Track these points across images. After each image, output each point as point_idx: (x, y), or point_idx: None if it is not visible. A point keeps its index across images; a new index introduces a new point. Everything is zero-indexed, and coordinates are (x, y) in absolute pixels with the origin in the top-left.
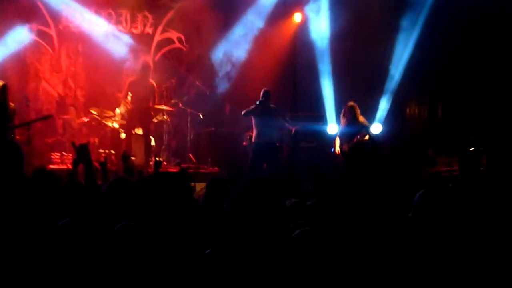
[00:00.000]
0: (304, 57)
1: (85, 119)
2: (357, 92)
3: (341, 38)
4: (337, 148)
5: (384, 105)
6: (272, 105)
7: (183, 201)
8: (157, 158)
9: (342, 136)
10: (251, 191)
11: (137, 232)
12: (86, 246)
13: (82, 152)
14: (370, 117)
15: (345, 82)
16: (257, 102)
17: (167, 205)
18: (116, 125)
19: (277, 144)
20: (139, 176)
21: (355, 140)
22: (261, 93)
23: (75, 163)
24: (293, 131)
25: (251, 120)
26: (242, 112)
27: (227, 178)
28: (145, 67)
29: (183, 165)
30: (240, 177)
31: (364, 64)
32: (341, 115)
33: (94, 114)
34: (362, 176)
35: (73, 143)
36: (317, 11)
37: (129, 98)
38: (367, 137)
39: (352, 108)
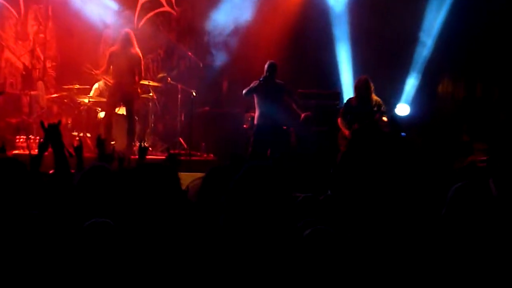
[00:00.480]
0: (317, 23)
1: (56, 96)
2: (380, 66)
3: (362, 1)
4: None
5: (411, 82)
6: (278, 81)
7: (170, 196)
8: (142, 144)
9: (352, 117)
10: (252, 183)
11: (110, 231)
12: (48, 245)
13: (51, 134)
14: (395, 96)
15: (366, 54)
16: (261, 79)
17: (151, 200)
18: (92, 103)
19: (284, 127)
20: (120, 165)
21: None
22: (266, 66)
23: (41, 146)
24: (302, 117)
25: (253, 99)
26: (243, 91)
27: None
28: (128, 34)
29: (171, 151)
30: (240, 166)
31: (389, 33)
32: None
33: (67, 89)
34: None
35: (42, 123)
36: None
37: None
38: (385, 118)
39: (367, 83)
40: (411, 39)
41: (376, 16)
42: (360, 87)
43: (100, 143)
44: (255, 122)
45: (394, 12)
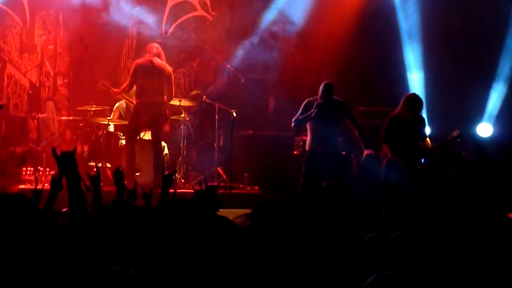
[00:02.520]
0: (381, 27)
1: (69, 119)
2: (458, 78)
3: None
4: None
5: (495, 97)
6: (337, 99)
7: (206, 240)
8: (173, 174)
9: (398, 136)
10: (305, 221)
11: (129, 282)
12: None
13: (66, 164)
14: (476, 114)
15: (440, 63)
16: (315, 104)
17: (183, 246)
18: (112, 128)
19: (343, 153)
20: (146, 202)
21: (426, 144)
22: (321, 88)
23: (55, 183)
24: (364, 156)
25: None
26: (293, 120)
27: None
28: (155, 48)
29: (210, 184)
30: (290, 201)
31: (468, 36)
32: (402, 106)
33: (81, 111)
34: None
35: (54, 150)
36: None
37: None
38: (456, 133)
39: (420, 102)
40: (497, 44)
41: (454, 17)
42: (410, 105)
43: (119, 176)
44: (307, 148)
45: (475, 11)
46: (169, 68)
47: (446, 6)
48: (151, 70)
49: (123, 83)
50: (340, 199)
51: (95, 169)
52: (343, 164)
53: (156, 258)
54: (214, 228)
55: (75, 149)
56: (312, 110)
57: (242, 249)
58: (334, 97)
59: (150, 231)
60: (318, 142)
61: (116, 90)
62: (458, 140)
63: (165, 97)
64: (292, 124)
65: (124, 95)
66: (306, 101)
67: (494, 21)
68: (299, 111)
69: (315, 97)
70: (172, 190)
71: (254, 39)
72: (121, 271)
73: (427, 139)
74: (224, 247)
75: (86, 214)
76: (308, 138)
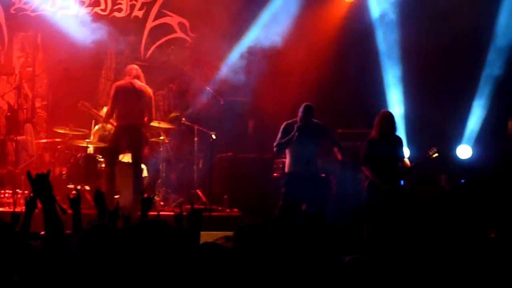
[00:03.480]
0: (362, 50)
1: (47, 141)
2: (437, 98)
3: (413, 17)
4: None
5: (475, 119)
6: (316, 121)
7: (185, 263)
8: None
9: (377, 157)
10: (282, 246)
11: None
12: None
13: (40, 187)
14: (456, 135)
15: (420, 85)
16: (296, 127)
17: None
18: (92, 150)
19: (323, 175)
20: (126, 224)
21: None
22: (301, 110)
23: (29, 204)
24: (339, 159)
25: None
26: (275, 145)
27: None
28: (135, 70)
29: (195, 206)
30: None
31: (448, 55)
32: (377, 125)
33: (60, 134)
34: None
35: (28, 173)
36: None
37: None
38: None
39: (393, 118)
40: (477, 64)
41: (434, 35)
42: (385, 121)
43: (99, 197)
44: (286, 170)
45: (456, 32)
46: (149, 90)
47: (426, 25)
48: (132, 92)
49: (102, 106)
50: (319, 222)
51: (74, 191)
52: (322, 186)
53: (137, 282)
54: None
55: (49, 171)
56: (293, 133)
57: (224, 271)
58: (314, 120)
59: (130, 253)
60: (297, 164)
61: (99, 114)
62: (435, 157)
63: (145, 119)
64: (274, 149)
65: (109, 120)
66: (284, 124)
67: (474, 41)
68: (279, 135)
69: (294, 119)
70: (155, 213)
71: (233, 61)
72: None
73: (406, 159)
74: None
75: (63, 237)
76: (287, 160)
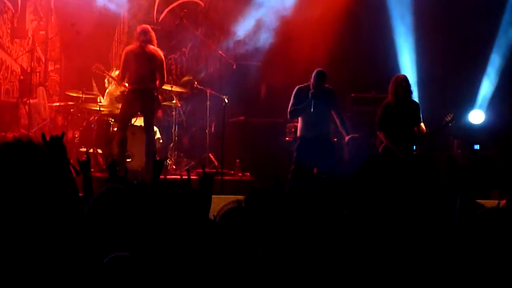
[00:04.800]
0: (373, 12)
1: (60, 104)
2: (450, 64)
3: None
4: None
5: (487, 84)
6: (327, 87)
7: (198, 225)
8: (164, 160)
9: (393, 122)
10: (297, 207)
11: (133, 266)
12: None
13: (54, 148)
14: (468, 101)
15: (433, 49)
16: (311, 94)
17: (175, 229)
18: (104, 114)
19: (334, 139)
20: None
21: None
22: (313, 75)
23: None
24: (347, 140)
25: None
26: (289, 112)
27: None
28: (145, 31)
29: (206, 170)
30: (282, 188)
31: (461, 22)
32: (392, 90)
33: (73, 97)
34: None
35: (43, 135)
36: None
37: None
38: (450, 117)
39: (408, 81)
40: (490, 30)
41: (445, 8)
42: (401, 84)
43: (113, 165)
44: (299, 134)
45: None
46: (161, 53)
47: None
48: (142, 56)
49: (114, 69)
50: (331, 186)
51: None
52: (334, 150)
53: (152, 242)
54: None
55: (63, 134)
56: (309, 101)
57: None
58: (325, 85)
59: (143, 216)
60: (309, 128)
61: (113, 76)
62: (451, 124)
63: (157, 82)
64: (288, 115)
65: (121, 82)
66: (297, 88)
67: (488, 8)
68: (292, 100)
69: (306, 84)
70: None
71: (246, 25)
72: (129, 257)
73: (422, 124)
74: (218, 233)
75: (77, 199)
76: (300, 125)
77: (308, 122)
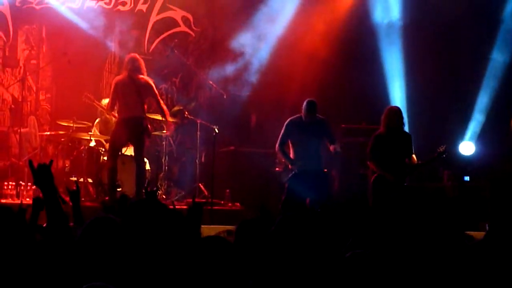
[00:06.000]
0: (364, 45)
1: (50, 133)
2: (440, 95)
3: (419, 21)
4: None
5: (478, 114)
6: (319, 117)
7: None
8: (151, 188)
9: (384, 153)
10: (289, 237)
11: None
12: None
13: (42, 177)
14: (459, 132)
15: (423, 79)
16: (298, 119)
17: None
18: (94, 143)
19: (325, 170)
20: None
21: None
22: (304, 106)
23: (36, 201)
24: (332, 151)
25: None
26: (277, 145)
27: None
28: (134, 60)
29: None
30: (269, 216)
31: (451, 55)
32: (385, 120)
33: (63, 126)
34: None
35: (30, 162)
36: None
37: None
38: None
39: (401, 113)
40: (480, 60)
41: (436, 36)
42: (394, 115)
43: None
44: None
45: (458, 32)
46: (150, 81)
47: (429, 20)
48: (131, 86)
49: (104, 99)
50: (324, 217)
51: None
52: (327, 182)
53: (140, 273)
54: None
55: (51, 162)
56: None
57: (227, 265)
58: (318, 115)
59: (132, 246)
60: (301, 158)
61: (102, 105)
62: (444, 156)
63: (143, 111)
64: (276, 148)
65: (110, 112)
66: (288, 120)
67: (478, 39)
68: (282, 131)
69: (298, 115)
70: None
71: (236, 55)
72: (104, 287)
73: (413, 155)
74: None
75: (66, 228)
76: (292, 156)
77: (300, 154)
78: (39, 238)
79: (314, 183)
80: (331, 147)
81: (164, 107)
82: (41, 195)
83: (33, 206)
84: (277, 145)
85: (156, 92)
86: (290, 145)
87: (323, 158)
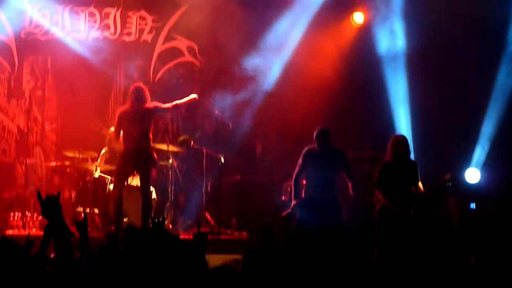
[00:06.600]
0: (369, 73)
1: (56, 164)
2: (444, 122)
3: (423, 49)
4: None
5: (484, 141)
6: (337, 148)
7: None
8: (159, 219)
9: (391, 181)
10: (295, 266)
11: None
12: None
13: (50, 208)
14: (464, 159)
15: (427, 108)
16: (315, 148)
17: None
18: (100, 173)
19: (339, 200)
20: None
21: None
22: (315, 134)
23: (47, 229)
24: (352, 197)
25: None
26: (294, 175)
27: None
28: (139, 89)
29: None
30: (273, 243)
31: (455, 81)
32: (391, 149)
33: (69, 157)
34: None
35: (38, 193)
36: (387, 8)
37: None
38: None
39: (407, 142)
40: (485, 88)
41: (441, 64)
42: (399, 144)
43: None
44: (304, 195)
45: (462, 59)
46: (150, 105)
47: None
48: (135, 116)
49: (112, 126)
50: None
51: (82, 215)
52: (340, 212)
53: None
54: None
55: (59, 193)
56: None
57: None
58: (335, 146)
59: (138, 277)
60: (314, 190)
61: (109, 132)
62: (450, 184)
63: (149, 141)
64: (293, 179)
65: (116, 139)
66: (305, 149)
67: (482, 63)
68: (299, 160)
69: (314, 145)
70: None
71: (242, 84)
72: None
73: (420, 183)
74: None
75: (73, 259)
76: (305, 185)
77: (312, 184)
78: (49, 270)
79: (327, 213)
80: (352, 194)
81: (168, 105)
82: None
83: (44, 234)
84: (294, 174)
85: (157, 105)
86: (305, 174)
87: (337, 188)
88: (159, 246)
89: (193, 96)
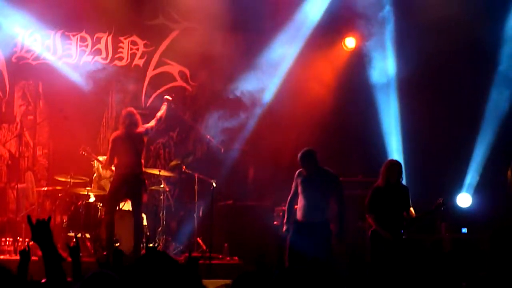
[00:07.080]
0: (360, 99)
1: (48, 189)
2: (436, 148)
3: (414, 74)
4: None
5: (475, 166)
6: (329, 171)
7: None
8: (151, 244)
9: (382, 206)
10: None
11: None
12: None
13: (40, 233)
14: (456, 183)
15: (418, 132)
16: (303, 174)
17: None
18: (92, 198)
19: (329, 223)
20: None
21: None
22: (299, 157)
23: (23, 254)
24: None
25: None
26: (289, 198)
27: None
28: (130, 114)
29: (193, 254)
30: (265, 268)
31: (447, 106)
32: (384, 174)
33: (61, 182)
34: None
35: (29, 218)
36: (379, 33)
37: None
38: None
39: (400, 167)
40: (476, 113)
41: (432, 89)
42: (393, 168)
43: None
44: (298, 217)
45: (453, 84)
46: (141, 129)
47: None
48: (128, 141)
49: (102, 153)
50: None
51: (74, 240)
52: (330, 236)
53: None
54: None
55: (49, 218)
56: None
57: None
58: (327, 169)
59: None
60: (305, 213)
61: (100, 160)
62: (442, 208)
63: (140, 166)
64: (288, 202)
65: (109, 168)
66: (296, 172)
67: (473, 88)
68: (292, 184)
69: None
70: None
71: (233, 109)
72: None
73: (411, 208)
74: None
75: (65, 284)
76: (298, 207)
77: (302, 207)
78: None
79: (318, 237)
80: (334, 231)
81: (153, 122)
82: (39, 251)
83: (20, 259)
84: (288, 197)
85: (147, 127)
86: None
87: (327, 210)
88: (156, 271)
89: (167, 97)
